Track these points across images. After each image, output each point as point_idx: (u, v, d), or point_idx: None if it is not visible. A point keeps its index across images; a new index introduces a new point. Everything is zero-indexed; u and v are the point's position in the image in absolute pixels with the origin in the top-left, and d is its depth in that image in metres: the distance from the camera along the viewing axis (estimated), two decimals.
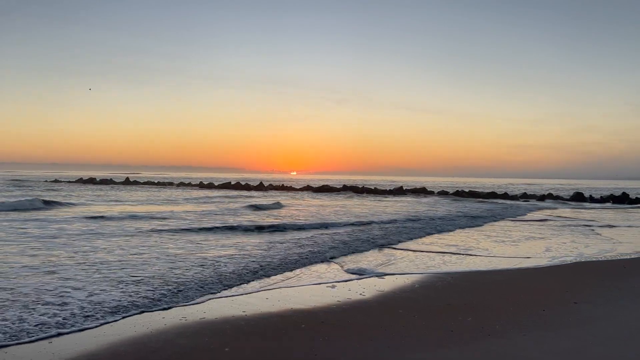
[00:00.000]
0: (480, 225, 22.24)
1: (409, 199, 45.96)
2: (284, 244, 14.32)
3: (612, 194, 48.69)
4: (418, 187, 62.03)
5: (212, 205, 30.44)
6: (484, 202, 41.36)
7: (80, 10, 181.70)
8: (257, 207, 28.74)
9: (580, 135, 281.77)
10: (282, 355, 5.72)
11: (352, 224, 20.48)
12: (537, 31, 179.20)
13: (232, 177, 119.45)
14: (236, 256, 12.11)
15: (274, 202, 32.91)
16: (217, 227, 17.78)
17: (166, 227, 17.65)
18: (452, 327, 6.84)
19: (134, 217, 21.20)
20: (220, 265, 10.81)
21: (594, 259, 13.06)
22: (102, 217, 20.62)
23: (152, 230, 16.68)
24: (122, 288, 8.45)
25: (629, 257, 13.55)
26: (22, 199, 27.33)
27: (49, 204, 26.71)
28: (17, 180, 74.54)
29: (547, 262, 12.43)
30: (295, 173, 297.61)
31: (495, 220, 24.77)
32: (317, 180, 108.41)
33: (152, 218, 21.12)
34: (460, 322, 7.09)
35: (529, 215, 29.12)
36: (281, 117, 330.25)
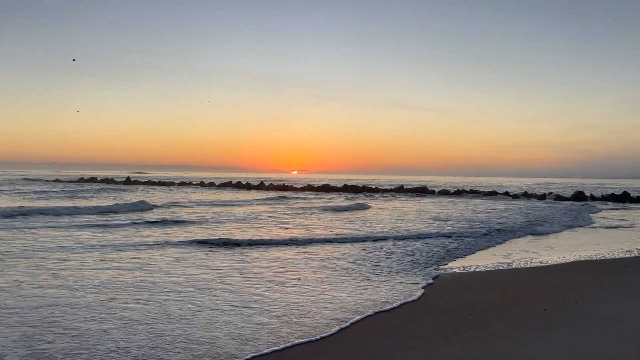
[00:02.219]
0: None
1: (438, 199, 45.61)
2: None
3: (613, 193, 48.60)
4: (419, 186, 61.97)
5: (285, 207, 30.45)
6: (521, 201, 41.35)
7: (81, 9, 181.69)
8: (334, 210, 28.71)
9: (577, 133, 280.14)
10: (282, 355, 5.78)
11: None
12: (535, 30, 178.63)
13: (238, 177, 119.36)
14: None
15: (355, 203, 33.01)
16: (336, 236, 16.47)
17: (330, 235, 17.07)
18: (453, 326, 6.85)
19: (255, 219, 21.79)
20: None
21: (595, 258, 13.07)
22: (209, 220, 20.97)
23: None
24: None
25: (629, 255, 13.57)
26: (135, 201, 28.83)
27: (155, 206, 27.93)
28: (27, 179, 74.94)
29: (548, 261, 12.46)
30: (296, 172, 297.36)
31: (580, 226, 22.34)
32: (318, 179, 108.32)
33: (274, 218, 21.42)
34: (461, 321, 7.11)
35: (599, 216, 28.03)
36: (281, 116, 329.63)
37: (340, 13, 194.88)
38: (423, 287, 9.26)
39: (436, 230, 18.51)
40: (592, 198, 46.93)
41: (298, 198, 41.50)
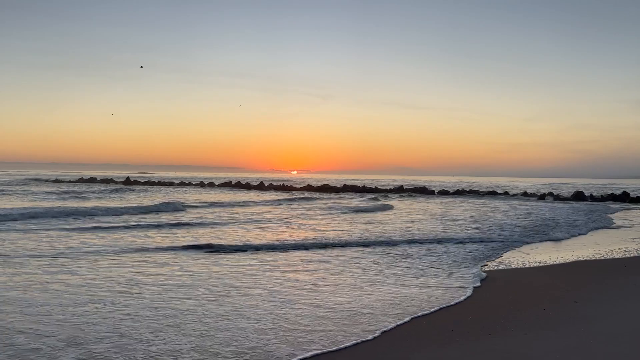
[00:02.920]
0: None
1: (466, 201, 45.44)
2: None
3: (612, 193, 48.59)
4: (419, 186, 61.99)
5: (309, 208, 30.35)
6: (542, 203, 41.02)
7: (82, 9, 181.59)
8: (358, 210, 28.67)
9: (576, 133, 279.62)
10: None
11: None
12: (532, 28, 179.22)
13: (238, 176, 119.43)
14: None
15: (380, 204, 33.11)
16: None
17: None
18: (452, 326, 6.85)
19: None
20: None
21: (594, 258, 13.07)
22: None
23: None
24: None
25: (629, 255, 13.56)
26: (166, 202, 28.87)
27: (186, 207, 27.84)
28: (31, 179, 75.03)
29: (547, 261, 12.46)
30: (295, 172, 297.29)
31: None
32: (319, 179, 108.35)
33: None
34: (460, 321, 7.10)
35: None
36: (280, 116, 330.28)
37: (340, 13, 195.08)
38: (470, 288, 9.27)
39: (454, 233, 18.11)
40: (592, 198, 46.93)
41: (313, 198, 40.57)
